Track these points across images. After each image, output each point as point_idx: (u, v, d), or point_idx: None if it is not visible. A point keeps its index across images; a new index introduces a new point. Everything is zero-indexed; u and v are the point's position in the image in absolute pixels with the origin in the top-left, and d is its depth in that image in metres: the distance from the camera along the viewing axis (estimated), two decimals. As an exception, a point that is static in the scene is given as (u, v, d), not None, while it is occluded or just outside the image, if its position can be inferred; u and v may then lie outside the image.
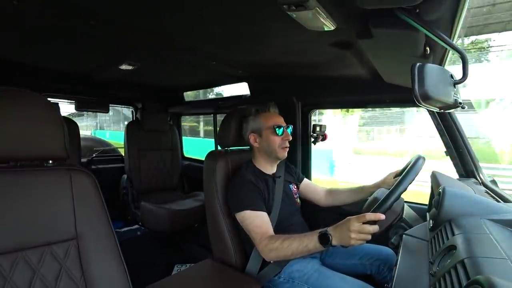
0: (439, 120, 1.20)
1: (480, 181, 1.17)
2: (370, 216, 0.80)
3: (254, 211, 1.05)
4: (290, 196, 1.23)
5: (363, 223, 0.80)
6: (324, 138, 1.64)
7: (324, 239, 0.87)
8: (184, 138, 2.97)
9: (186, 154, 2.90)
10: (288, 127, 1.19)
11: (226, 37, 1.05)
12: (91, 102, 2.38)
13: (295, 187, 1.30)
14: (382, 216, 0.80)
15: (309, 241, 0.90)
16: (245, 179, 1.12)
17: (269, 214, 1.11)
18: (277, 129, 1.15)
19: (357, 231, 0.80)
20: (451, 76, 0.65)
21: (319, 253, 1.22)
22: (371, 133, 9.42)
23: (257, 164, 1.21)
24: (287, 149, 1.18)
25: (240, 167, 1.21)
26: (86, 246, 0.76)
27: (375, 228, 0.80)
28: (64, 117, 0.96)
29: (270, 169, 1.22)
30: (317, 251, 0.92)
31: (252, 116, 1.22)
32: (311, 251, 0.91)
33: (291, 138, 1.19)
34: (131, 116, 2.96)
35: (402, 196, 0.89)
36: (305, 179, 1.39)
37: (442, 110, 0.76)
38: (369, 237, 0.81)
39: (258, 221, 1.04)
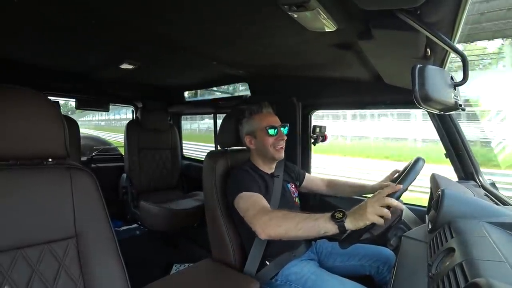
0: (439, 123, 1.20)
1: (480, 184, 1.17)
2: (389, 193, 0.76)
3: (249, 192, 1.02)
4: (288, 195, 1.23)
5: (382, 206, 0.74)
6: (324, 139, 1.64)
7: (337, 216, 0.78)
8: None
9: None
10: (283, 126, 1.18)
11: (227, 37, 1.05)
12: (92, 101, 2.38)
13: (293, 186, 1.29)
14: (399, 186, 0.78)
15: (319, 216, 0.81)
16: (243, 169, 1.13)
17: None
18: (270, 130, 1.14)
19: (374, 211, 0.74)
20: (452, 78, 0.65)
21: (316, 255, 1.22)
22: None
23: (255, 164, 1.21)
24: (283, 150, 1.17)
25: None
26: (85, 245, 0.75)
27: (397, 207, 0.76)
28: (64, 115, 0.96)
29: (268, 169, 1.22)
30: (327, 231, 0.80)
31: (246, 118, 1.21)
32: (320, 228, 0.80)
33: (286, 138, 1.17)
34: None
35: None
36: (306, 174, 1.40)
37: (442, 112, 0.76)
38: (388, 216, 0.74)
39: (254, 198, 0.99)
